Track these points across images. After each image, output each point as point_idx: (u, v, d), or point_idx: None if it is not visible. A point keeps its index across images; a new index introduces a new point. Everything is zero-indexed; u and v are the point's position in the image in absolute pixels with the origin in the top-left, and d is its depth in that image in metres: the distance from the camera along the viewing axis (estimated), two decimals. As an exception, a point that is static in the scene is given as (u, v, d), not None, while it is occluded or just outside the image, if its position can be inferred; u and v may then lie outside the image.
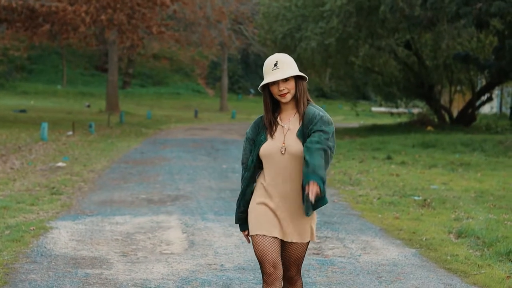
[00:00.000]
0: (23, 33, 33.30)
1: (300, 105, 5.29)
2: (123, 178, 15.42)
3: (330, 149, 5.16)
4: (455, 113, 37.94)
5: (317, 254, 8.69)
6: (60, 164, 17.24)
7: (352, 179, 15.54)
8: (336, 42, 31.43)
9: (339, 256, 8.59)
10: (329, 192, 13.70)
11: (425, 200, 12.57)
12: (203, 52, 58.71)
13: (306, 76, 5.32)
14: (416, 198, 12.90)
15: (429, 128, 33.04)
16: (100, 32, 38.43)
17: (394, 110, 43.85)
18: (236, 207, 5.50)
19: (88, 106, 50.24)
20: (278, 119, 5.37)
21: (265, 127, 5.38)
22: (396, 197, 13.00)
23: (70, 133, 26.42)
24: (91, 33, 35.68)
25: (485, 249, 8.87)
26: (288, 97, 5.25)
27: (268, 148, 5.29)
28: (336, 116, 55.21)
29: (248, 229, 5.40)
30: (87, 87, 63.89)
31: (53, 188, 13.51)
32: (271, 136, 5.31)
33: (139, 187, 14.12)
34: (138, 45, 36.17)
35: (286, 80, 5.23)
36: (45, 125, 23.59)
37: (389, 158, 19.79)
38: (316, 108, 5.30)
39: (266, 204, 5.29)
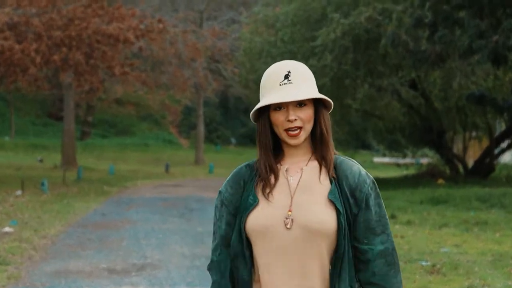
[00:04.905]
0: (-38, 76, 33.42)
1: (324, 149, 3.62)
2: (81, 244, 15.44)
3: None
4: (470, 163, 38.10)
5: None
6: (7, 229, 17.23)
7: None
8: (330, 82, 31.56)
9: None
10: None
11: (434, 265, 12.64)
12: (175, 95, 58.92)
13: (331, 102, 3.64)
14: (423, 263, 12.97)
15: (440, 181, 33.16)
16: (54, 74, 38.51)
17: (400, 161, 43.98)
18: None
19: (41, 160, 50.25)
20: (280, 167, 3.66)
21: (254, 181, 3.65)
22: (401, 263, 13.00)
23: (19, 192, 26.40)
24: (43, 76, 35.77)
25: (503, 321, 8.95)
26: (302, 136, 3.56)
27: (262, 217, 3.57)
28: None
29: None
30: (39, 138, 63.93)
31: (-2, 257, 13.53)
32: (266, 196, 3.59)
33: (99, 254, 14.15)
34: (98, 88, 36.35)
35: (301, 105, 3.56)
36: (-11, 183, 23.63)
37: (393, 217, 19.84)
38: (351, 161, 3.70)
39: None
